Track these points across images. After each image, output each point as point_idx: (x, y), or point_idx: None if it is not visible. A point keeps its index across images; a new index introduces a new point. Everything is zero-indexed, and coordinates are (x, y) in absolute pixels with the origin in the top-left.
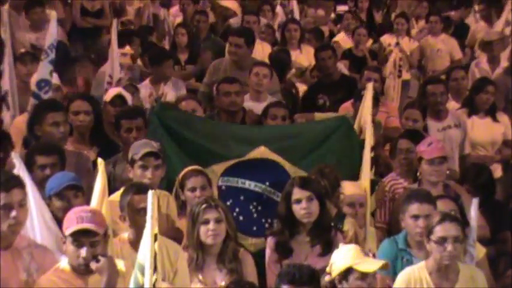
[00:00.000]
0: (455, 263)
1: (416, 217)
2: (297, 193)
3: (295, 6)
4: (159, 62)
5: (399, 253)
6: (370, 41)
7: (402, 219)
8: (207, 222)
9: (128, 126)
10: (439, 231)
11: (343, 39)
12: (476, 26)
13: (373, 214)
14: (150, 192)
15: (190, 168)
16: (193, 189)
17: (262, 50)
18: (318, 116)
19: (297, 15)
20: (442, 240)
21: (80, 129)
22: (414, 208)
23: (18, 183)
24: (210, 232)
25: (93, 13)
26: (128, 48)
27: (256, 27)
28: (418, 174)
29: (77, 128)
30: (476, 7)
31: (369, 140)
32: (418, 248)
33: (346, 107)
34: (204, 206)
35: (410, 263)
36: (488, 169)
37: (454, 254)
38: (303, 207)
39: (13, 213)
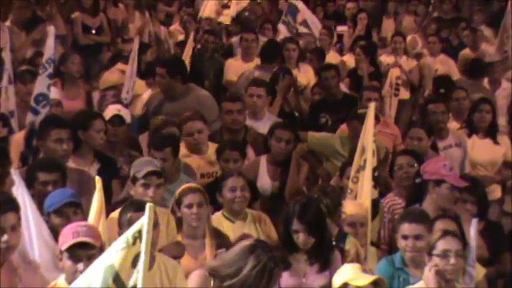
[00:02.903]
0: (454, 283)
1: (405, 237)
2: (296, 224)
3: (314, 20)
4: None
5: (396, 272)
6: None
7: (397, 239)
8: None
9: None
10: (441, 244)
11: (349, 59)
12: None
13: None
14: (148, 206)
15: (187, 185)
16: (190, 206)
17: None
18: (311, 135)
19: (316, 32)
20: (445, 254)
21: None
22: (404, 228)
23: (13, 207)
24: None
25: (94, 30)
26: (120, 65)
27: (254, 45)
28: (434, 196)
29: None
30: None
31: (371, 160)
32: (415, 267)
33: (345, 128)
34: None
35: (407, 282)
36: (481, 182)
37: (458, 268)
38: (301, 238)
39: (4, 238)
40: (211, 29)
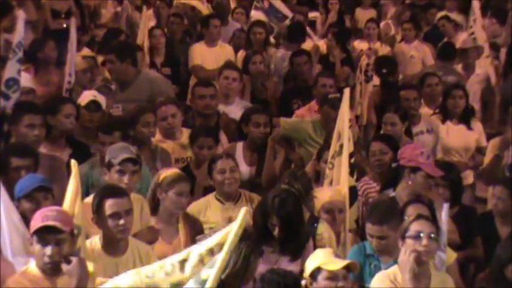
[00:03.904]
0: (428, 268)
1: (371, 236)
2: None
3: (282, 7)
4: None
5: (367, 259)
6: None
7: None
8: None
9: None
10: (414, 226)
11: (322, 46)
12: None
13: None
14: (243, 210)
15: (177, 172)
16: (180, 194)
17: (224, 53)
18: (283, 120)
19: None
20: (417, 235)
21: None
22: (369, 227)
23: None
24: None
25: (64, 14)
26: (86, 51)
27: (218, 31)
28: (409, 183)
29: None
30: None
31: (347, 146)
32: (386, 254)
33: (300, 113)
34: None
35: (378, 268)
36: (457, 167)
37: (430, 250)
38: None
39: None
40: (179, 12)
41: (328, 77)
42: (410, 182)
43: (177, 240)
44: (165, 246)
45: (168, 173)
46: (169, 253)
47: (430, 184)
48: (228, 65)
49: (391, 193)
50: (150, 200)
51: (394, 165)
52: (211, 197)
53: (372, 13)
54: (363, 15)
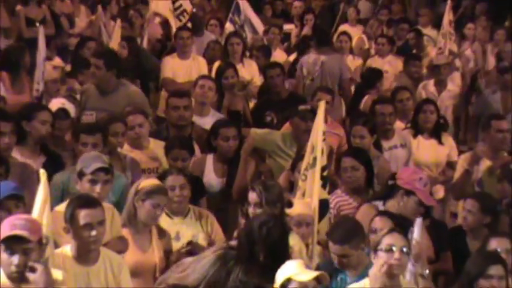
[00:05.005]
0: (399, 281)
1: (333, 253)
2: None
3: (256, 20)
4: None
5: (334, 272)
6: None
7: None
8: None
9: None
10: (387, 239)
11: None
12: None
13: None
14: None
15: (157, 183)
16: (157, 206)
17: (197, 66)
18: (253, 131)
19: (260, 30)
20: (389, 248)
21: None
22: (330, 245)
23: None
24: None
25: (38, 23)
26: (57, 61)
27: (189, 43)
28: (401, 204)
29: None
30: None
31: (320, 159)
32: (352, 268)
33: (288, 126)
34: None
35: (344, 282)
36: None
37: (402, 264)
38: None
39: None
40: None
41: (326, 92)
42: (402, 204)
43: (150, 250)
44: (139, 255)
45: (148, 182)
46: (143, 262)
47: (420, 211)
48: (204, 75)
49: (380, 205)
50: (130, 207)
51: (390, 182)
52: None
53: (359, 29)
54: (351, 31)
